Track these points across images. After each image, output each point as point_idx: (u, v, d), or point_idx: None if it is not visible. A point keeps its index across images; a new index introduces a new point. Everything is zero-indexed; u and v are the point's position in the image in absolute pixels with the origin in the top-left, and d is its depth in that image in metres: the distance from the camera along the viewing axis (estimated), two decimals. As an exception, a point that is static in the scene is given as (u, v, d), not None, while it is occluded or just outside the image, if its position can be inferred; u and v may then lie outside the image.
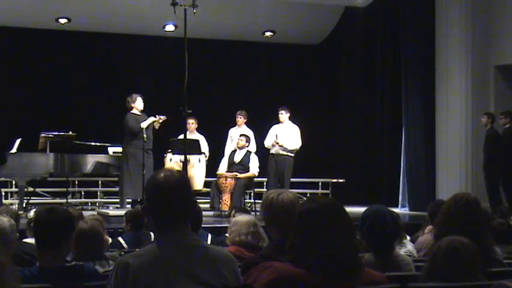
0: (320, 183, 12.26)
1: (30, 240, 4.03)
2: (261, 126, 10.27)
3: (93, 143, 9.94)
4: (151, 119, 8.93)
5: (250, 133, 10.12)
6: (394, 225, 3.38)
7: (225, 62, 13.19)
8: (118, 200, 9.65)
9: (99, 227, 3.90)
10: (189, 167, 9.10)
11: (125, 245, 5.24)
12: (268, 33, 12.97)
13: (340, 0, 12.39)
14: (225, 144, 10.36)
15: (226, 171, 9.71)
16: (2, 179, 10.17)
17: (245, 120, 10.22)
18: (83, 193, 11.54)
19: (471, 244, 2.90)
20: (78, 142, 9.74)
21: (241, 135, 9.92)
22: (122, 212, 7.03)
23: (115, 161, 9.67)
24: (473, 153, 10.31)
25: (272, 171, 9.74)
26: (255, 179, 10.02)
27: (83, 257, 3.60)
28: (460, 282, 2.84)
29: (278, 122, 9.95)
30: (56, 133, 9.52)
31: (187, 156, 8.66)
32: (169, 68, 12.11)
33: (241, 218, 4.14)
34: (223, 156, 10.15)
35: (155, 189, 2.42)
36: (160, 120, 8.96)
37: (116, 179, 9.87)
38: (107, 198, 11.53)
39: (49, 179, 10.05)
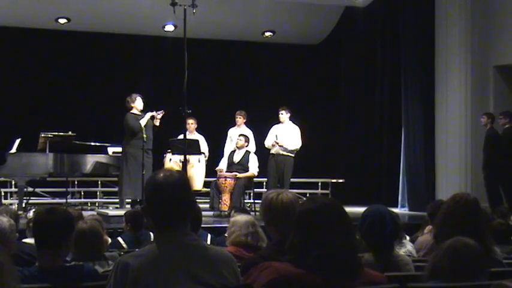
0: (320, 183, 12.27)
1: (30, 241, 4.03)
2: (260, 126, 10.27)
3: (92, 143, 9.94)
4: (148, 114, 8.92)
5: (249, 133, 10.12)
6: (394, 225, 3.38)
7: (225, 62, 13.19)
8: (117, 200, 9.65)
9: (99, 227, 3.90)
10: (188, 167, 9.10)
11: (124, 245, 5.23)
12: (267, 33, 12.97)
13: (340, 0, 12.39)
14: (224, 144, 10.37)
15: (226, 171, 9.71)
16: (2, 179, 10.16)
17: (244, 120, 10.22)
18: (82, 193, 11.54)
19: (476, 245, 2.90)
20: (77, 142, 9.74)
21: (240, 135, 9.92)
22: (121, 212, 7.02)
23: (115, 161, 9.67)
24: (472, 154, 10.31)
25: (272, 171, 9.74)
26: (255, 179, 10.02)
27: (82, 257, 3.60)
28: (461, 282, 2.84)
29: (278, 122, 9.96)
30: (56, 133, 9.52)
31: (187, 156, 8.65)
32: (168, 68, 12.10)
33: (240, 218, 4.13)
34: (222, 156, 10.15)
35: (155, 189, 2.42)
36: (159, 116, 8.96)
37: (116, 179, 9.87)
38: (106, 198, 11.53)
39: (48, 179, 10.06)
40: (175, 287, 2.28)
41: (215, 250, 2.47)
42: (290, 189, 8.81)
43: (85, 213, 5.71)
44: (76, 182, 11.41)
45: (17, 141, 9.29)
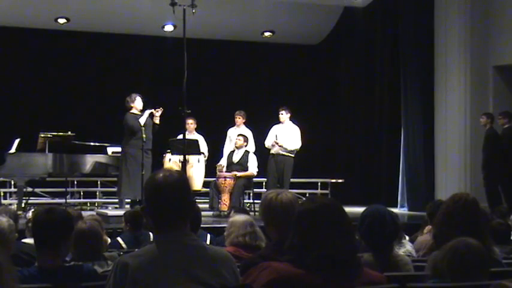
0: (319, 183, 12.27)
1: (29, 241, 4.02)
2: (260, 126, 10.27)
3: (92, 143, 9.94)
4: (147, 112, 8.92)
5: (248, 133, 10.13)
6: (393, 225, 3.37)
7: (224, 62, 13.19)
8: (117, 200, 9.65)
9: (98, 227, 3.90)
10: (188, 167, 9.09)
11: (123, 245, 5.23)
12: (267, 33, 12.98)
13: (339, 0, 12.39)
14: (223, 145, 10.37)
15: (225, 171, 9.71)
16: (1, 179, 10.17)
17: (244, 121, 10.22)
18: (81, 193, 11.54)
19: (481, 246, 2.90)
20: (77, 142, 9.74)
21: (238, 135, 9.92)
22: (121, 212, 7.02)
23: (114, 161, 9.67)
24: (472, 154, 10.31)
25: (272, 171, 9.75)
26: (254, 179, 10.03)
27: (81, 257, 3.60)
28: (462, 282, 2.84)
29: (278, 122, 9.96)
30: (55, 133, 9.51)
31: (187, 156, 8.65)
32: (168, 68, 12.09)
33: (238, 218, 4.12)
34: (222, 156, 10.15)
35: (154, 189, 2.41)
36: (158, 113, 8.95)
37: (115, 179, 9.86)
38: (106, 199, 11.52)
39: (48, 179, 10.05)
40: (175, 287, 2.28)
41: (214, 250, 2.47)
42: (289, 189, 8.82)
43: (84, 213, 5.71)
44: (75, 182, 11.41)
45: (16, 141, 9.29)
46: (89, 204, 11.24)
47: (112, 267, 2.41)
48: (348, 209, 2.60)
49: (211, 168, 9.98)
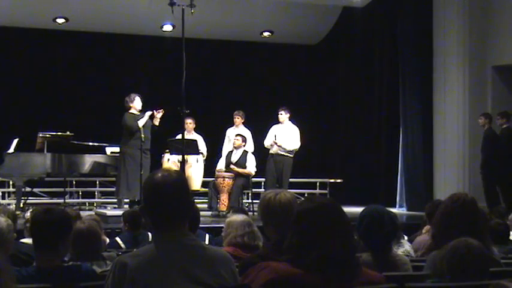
0: (318, 183, 12.27)
1: (28, 241, 4.02)
2: (259, 126, 10.27)
3: (90, 143, 9.92)
4: (148, 113, 8.92)
5: (247, 133, 10.12)
6: (392, 225, 3.37)
7: (223, 62, 13.19)
8: (116, 200, 9.64)
9: (97, 227, 3.90)
10: (186, 167, 9.10)
11: (122, 245, 5.23)
12: (266, 33, 12.97)
13: (338, 0, 12.39)
14: (222, 144, 10.36)
15: (224, 171, 9.71)
16: (0, 179, 10.15)
17: (243, 120, 10.22)
18: (80, 193, 11.52)
19: (481, 246, 2.90)
20: (75, 142, 9.73)
21: (237, 135, 9.92)
22: (119, 212, 7.02)
23: (113, 161, 9.66)
24: (470, 154, 10.33)
25: (271, 171, 9.75)
26: (253, 179, 10.02)
27: (80, 257, 3.59)
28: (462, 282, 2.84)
29: (278, 122, 9.96)
30: (54, 133, 9.51)
31: (185, 156, 8.65)
32: (167, 68, 12.08)
33: (235, 218, 4.11)
34: (220, 156, 10.15)
35: (153, 189, 2.41)
36: (158, 115, 8.95)
37: (114, 179, 9.86)
38: (104, 198, 11.52)
39: (46, 179, 10.04)
40: (173, 287, 2.28)
41: (213, 250, 2.47)
42: (288, 189, 8.82)
43: (83, 213, 5.71)
44: (74, 182, 11.41)
45: (15, 141, 9.28)
46: (87, 204, 11.23)
47: (111, 267, 2.40)
48: (346, 209, 2.59)
49: (210, 168, 9.98)
